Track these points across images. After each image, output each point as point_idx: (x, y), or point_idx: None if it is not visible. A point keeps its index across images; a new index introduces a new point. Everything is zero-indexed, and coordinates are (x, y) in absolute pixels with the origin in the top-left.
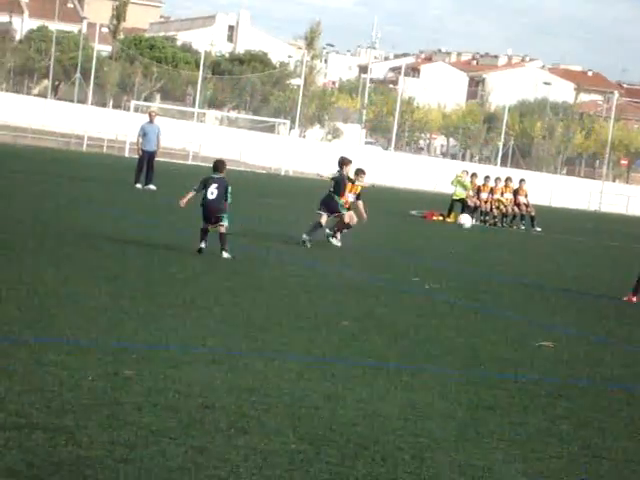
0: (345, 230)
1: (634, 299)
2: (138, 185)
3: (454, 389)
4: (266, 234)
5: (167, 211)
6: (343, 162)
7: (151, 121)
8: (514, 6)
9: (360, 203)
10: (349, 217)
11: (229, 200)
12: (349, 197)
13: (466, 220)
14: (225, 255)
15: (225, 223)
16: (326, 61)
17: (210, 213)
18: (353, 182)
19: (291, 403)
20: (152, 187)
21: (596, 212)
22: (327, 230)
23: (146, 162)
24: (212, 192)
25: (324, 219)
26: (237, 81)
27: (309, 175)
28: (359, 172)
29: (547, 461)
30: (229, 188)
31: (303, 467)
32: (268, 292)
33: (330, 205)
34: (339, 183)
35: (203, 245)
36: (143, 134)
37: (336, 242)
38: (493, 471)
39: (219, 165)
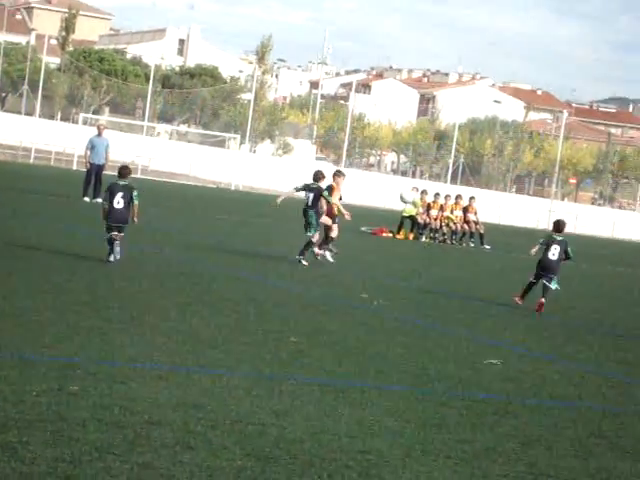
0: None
1: (520, 302)
2: (86, 198)
3: (402, 407)
4: (217, 249)
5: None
6: (318, 176)
7: (100, 134)
8: (465, 24)
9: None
10: (335, 230)
11: (136, 202)
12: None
13: (408, 196)
14: (112, 259)
15: (123, 233)
16: (277, 76)
17: (116, 222)
18: (324, 197)
19: (238, 420)
20: (100, 200)
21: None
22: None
23: (94, 175)
24: (118, 201)
25: (316, 237)
26: (187, 95)
27: (259, 190)
28: (339, 173)
29: (494, 479)
30: (134, 192)
31: None
32: (216, 307)
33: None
34: (317, 197)
35: (112, 259)
36: (91, 147)
37: (329, 257)
38: None
39: (123, 171)
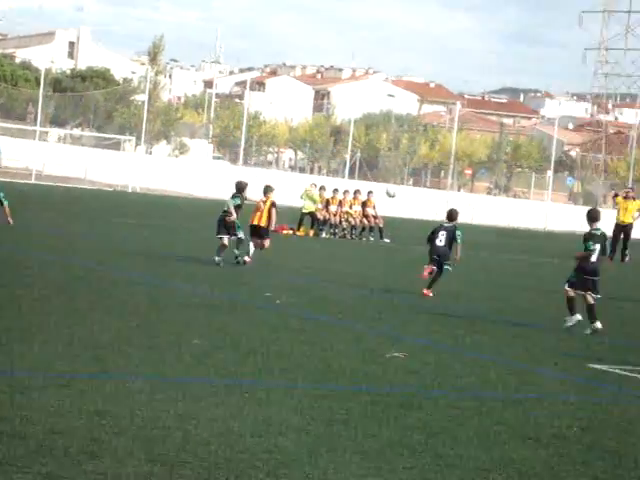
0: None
1: (430, 294)
2: None
3: (308, 404)
4: (116, 253)
5: (9, 232)
6: (242, 186)
7: None
8: (357, 20)
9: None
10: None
11: (5, 202)
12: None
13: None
14: None
15: None
16: (170, 76)
17: None
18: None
19: (143, 425)
20: None
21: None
22: (235, 251)
23: None
24: None
25: (225, 241)
26: (80, 98)
27: (156, 191)
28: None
29: (400, 472)
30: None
31: None
32: (118, 312)
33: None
34: (240, 206)
35: None
36: None
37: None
38: None
39: None
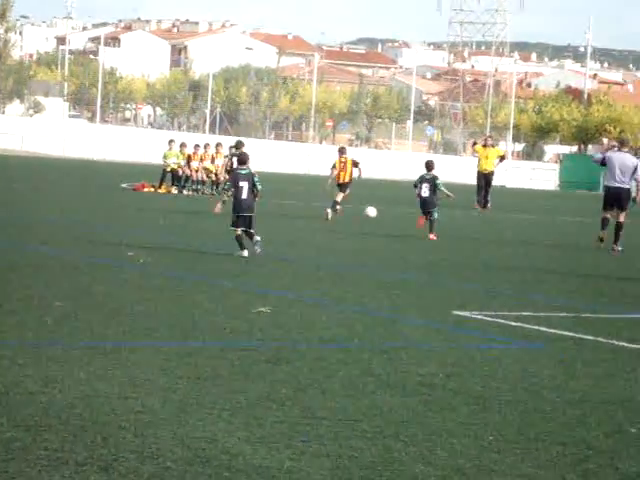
0: None
1: (434, 237)
2: None
3: (174, 363)
4: None
5: None
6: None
7: None
8: None
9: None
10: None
11: None
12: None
13: (371, 211)
14: None
15: None
16: (21, 33)
17: None
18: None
19: (5, 390)
20: None
21: (305, 175)
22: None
23: None
24: None
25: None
26: None
27: (8, 152)
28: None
29: (269, 427)
30: None
31: (21, 455)
32: None
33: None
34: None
35: None
36: None
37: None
38: (217, 441)
39: None
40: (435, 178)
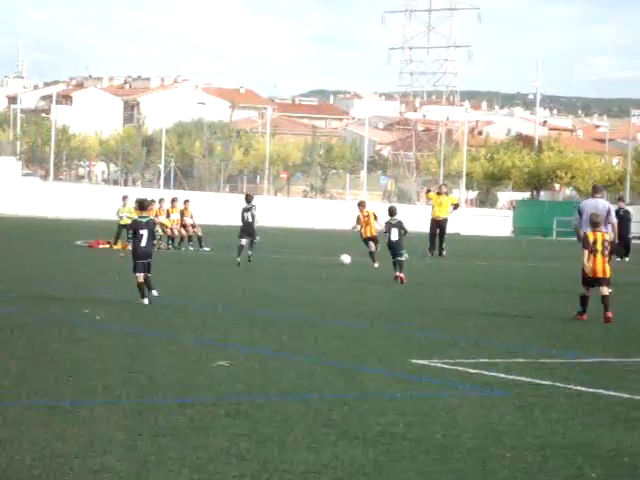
0: None
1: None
2: None
3: (134, 419)
4: None
5: None
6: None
7: None
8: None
9: None
10: None
11: None
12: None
13: (346, 258)
14: None
15: None
16: None
17: None
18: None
19: None
20: None
21: (261, 227)
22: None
23: None
24: None
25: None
26: None
27: None
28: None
29: None
30: None
31: None
32: None
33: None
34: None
35: None
36: None
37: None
38: None
39: None
40: (401, 222)
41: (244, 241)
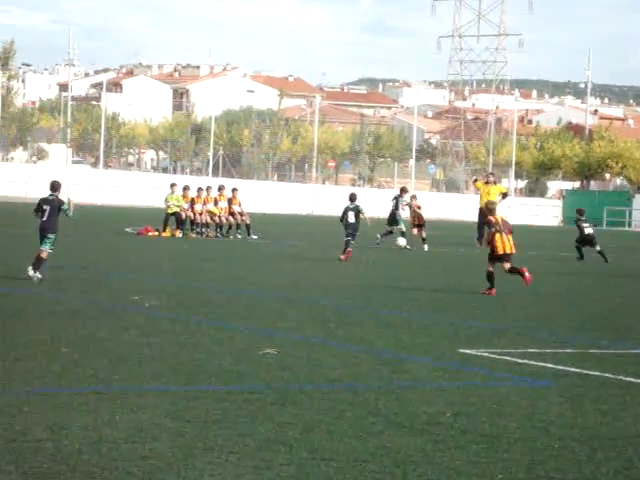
0: None
1: (344, 258)
2: None
3: (182, 406)
4: None
5: None
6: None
7: None
8: (212, 17)
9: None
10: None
11: None
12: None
13: (401, 241)
14: None
15: None
16: (23, 81)
17: None
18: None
19: (12, 438)
20: None
21: (308, 215)
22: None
23: None
24: None
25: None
26: None
27: (15, 199)
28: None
29: (277, 469)
30: None
31: None
32: None
33: None
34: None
35: None
36: None
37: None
38: None
39: None
40: (358, 207)
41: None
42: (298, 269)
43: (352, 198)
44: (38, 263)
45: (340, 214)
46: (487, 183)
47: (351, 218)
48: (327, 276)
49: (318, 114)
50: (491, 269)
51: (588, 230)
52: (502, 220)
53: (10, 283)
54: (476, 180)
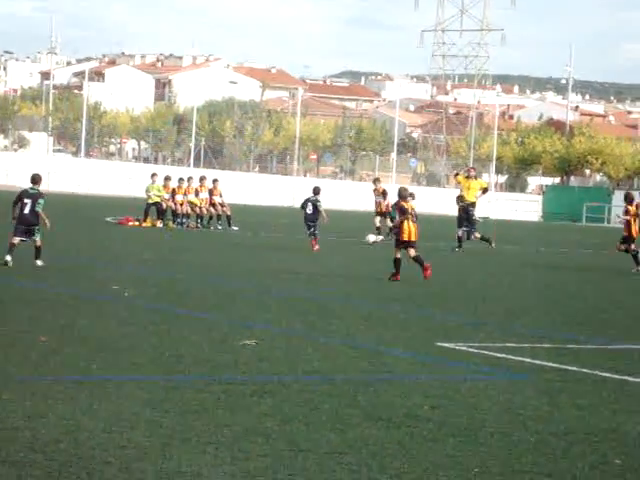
0: None
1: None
2: None
3: (160, 396)
4: None
5: None
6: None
7: None
8: (194, 7)
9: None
10: None
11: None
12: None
13: (371, 237)
14: None
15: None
16: (5, 69)
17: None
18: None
19: None
20: None
21: (290, 207)
22: None
23: None
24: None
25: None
26: None
27: None
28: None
29: (254, 460)
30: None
31: None
32: None
33: None
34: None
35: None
36: None
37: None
38: (202, 476)
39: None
40: (317, 200)
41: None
42: (279, 260)
43: (316, 191)
44: (38, 252)
45: (301, 203)
46: (468, 177)
47: (309, 209)
48: (308, 268)
49: (300, 106)
50: (398, 255)
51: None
52: (411, 208)
53: None
54: (457, 174)
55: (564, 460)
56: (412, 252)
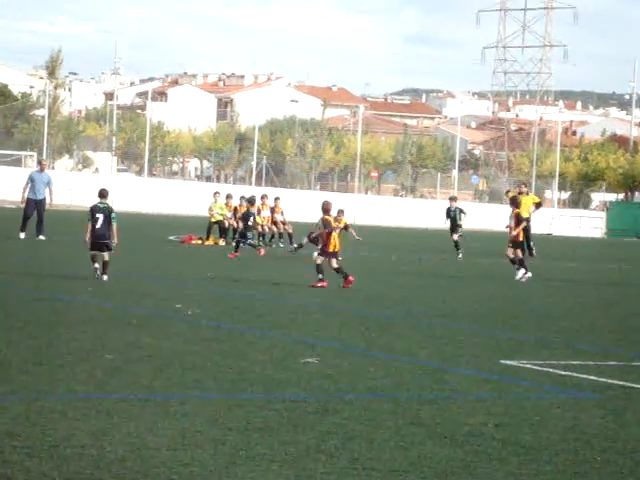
0: None
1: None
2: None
3: (223, 414)
4: (21, 272)
5: None
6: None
7: (41, 170)
8: (256, 27)
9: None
10: None
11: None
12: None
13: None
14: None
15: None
16: (70, 90)
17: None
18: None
19: (55, 444)
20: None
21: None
22: None
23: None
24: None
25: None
26: None
27: (60, 207)
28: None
29: (318, 478)
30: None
31: None
32: (25, 331)
33: None
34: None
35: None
36: (31, 182)
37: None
38: None
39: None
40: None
41: None
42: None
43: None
44: (105, 267)
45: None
46: (520, 194)
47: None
48: (371, 286)
49: (361, 124)
50: (319, 262)
51: None
52: (343, 222)
53: (54, 290)
54: (508, 191)
55: (630, 478)
56: (334, 263)
